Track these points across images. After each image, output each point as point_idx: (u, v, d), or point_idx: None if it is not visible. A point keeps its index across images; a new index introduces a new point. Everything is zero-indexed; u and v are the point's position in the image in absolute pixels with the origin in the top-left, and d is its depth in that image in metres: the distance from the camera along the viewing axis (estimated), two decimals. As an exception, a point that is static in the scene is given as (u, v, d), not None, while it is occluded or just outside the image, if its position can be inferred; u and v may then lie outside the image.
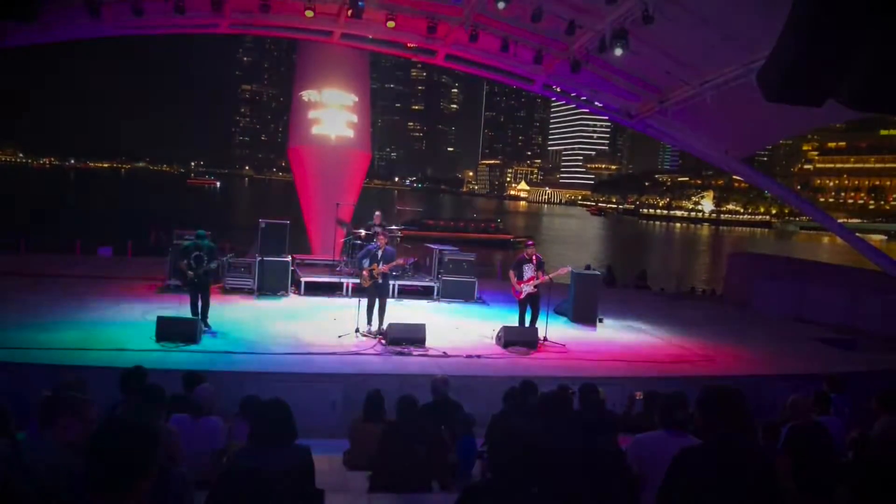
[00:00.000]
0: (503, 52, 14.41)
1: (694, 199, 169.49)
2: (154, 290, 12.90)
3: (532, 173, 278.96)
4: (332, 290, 13.73)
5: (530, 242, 11.33)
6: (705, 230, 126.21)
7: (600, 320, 12.86)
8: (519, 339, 10.40)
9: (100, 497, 1.87)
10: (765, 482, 2.77)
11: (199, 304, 10.13)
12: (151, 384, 5.08)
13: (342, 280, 13.71)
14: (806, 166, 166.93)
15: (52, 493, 2.54)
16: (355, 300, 11.10)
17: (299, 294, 13.49)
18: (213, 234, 11.00)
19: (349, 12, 13.24)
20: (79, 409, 3.01)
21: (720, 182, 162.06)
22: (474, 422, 6.29)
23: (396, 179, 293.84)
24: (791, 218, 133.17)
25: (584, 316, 12.72)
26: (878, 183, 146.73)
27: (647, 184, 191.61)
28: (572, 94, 16.46)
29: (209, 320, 10.19)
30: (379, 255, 10.44)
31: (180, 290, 11.40)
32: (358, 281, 11.06)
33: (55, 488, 2.55)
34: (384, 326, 10.39)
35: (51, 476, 2.57)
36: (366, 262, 10.53)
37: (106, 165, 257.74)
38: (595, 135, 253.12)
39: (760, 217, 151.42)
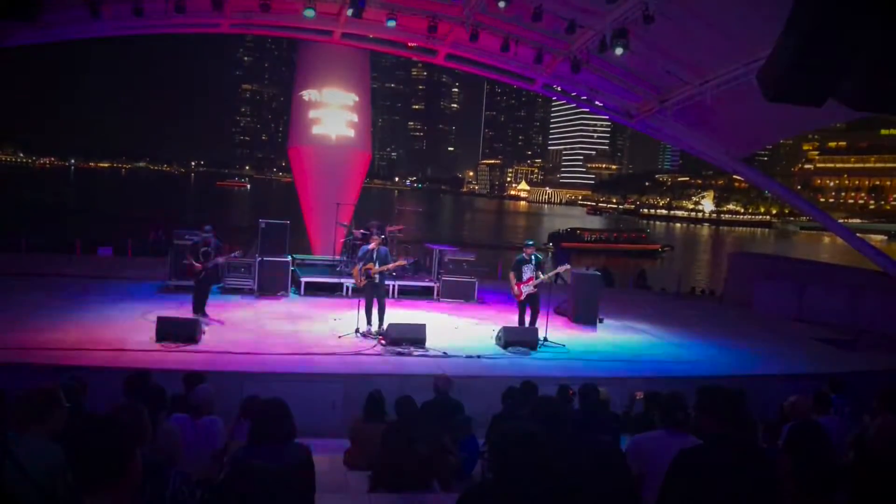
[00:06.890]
0: (504, 52, 14.39)
1: (694, 198, 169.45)
2: (154, 290, 12.90)
3: (532, 173, 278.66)
4: (332, 290, 13.73)
5: (530, 243, 11.30)
6: (705, 230, 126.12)
7: (601, 320, 12.85)
8: (519, 339, 10.39)
9: (89, 493, 1.90)
10: (765, 482, 2.77)
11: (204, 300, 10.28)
12: (152, 385, 5.10)
13: (342, 280, 13.71)
14: (806, 166, 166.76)
15: (49, 488, 2.54)
16: (355, 301, 11.10)
17: (299, 294, 13.50)
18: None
19: (349, 12, 13.24)
20: (60, 400, 3.02)
21: (720, 182, 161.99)
22: (470, 420, 6.30)
23: (397, 179, 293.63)
24: (791, 218, 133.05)
25: (585, 316, 12.72)
26: (878, 183, 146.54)
27: (647, 184, 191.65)
28: (573, 94, 16.46)
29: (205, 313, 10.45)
30: (374, 256, 10.45)
31: (181, 290, 11.40)
32: (359, 281, 11.07)
33: (51, 484, 2.55)
34: (384, 327, 10.40)
35: (45, 471, 2.57)
36: (360, 263, 10.56)
37: (106, 165, 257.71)
38: (595, 134, 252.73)
39: (761, 217, 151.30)
